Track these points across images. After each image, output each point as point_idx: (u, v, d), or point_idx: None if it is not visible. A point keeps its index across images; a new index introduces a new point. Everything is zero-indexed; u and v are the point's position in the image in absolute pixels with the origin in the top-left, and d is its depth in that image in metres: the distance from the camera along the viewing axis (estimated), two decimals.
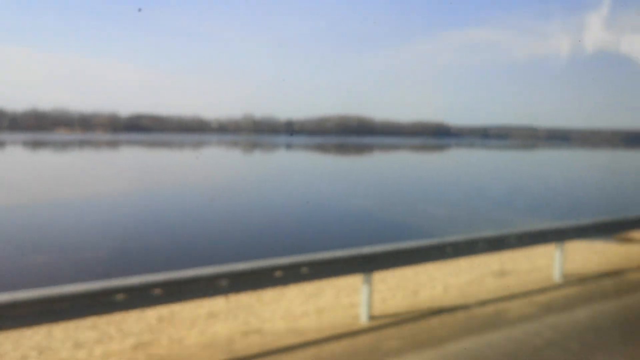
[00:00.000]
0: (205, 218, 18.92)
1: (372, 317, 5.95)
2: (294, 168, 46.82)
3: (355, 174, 41.79)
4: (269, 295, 7.35)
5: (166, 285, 4.56)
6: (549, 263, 8.65)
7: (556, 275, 7.84)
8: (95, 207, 20.73)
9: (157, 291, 4.53)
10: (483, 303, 6.57)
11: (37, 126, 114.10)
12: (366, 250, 5.89)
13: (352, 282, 7.70)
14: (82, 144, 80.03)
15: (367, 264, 5.89)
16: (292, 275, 5.33)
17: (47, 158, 52.24)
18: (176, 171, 40.11)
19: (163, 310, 6.45)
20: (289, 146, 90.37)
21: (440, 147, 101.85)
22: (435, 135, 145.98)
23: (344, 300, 6.96)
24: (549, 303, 6.51)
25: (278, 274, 5.22)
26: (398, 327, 5.62)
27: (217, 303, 6.89)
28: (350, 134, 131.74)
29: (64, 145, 73.08)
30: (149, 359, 4.80)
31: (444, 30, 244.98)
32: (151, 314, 6.39)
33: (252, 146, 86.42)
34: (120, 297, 4.34)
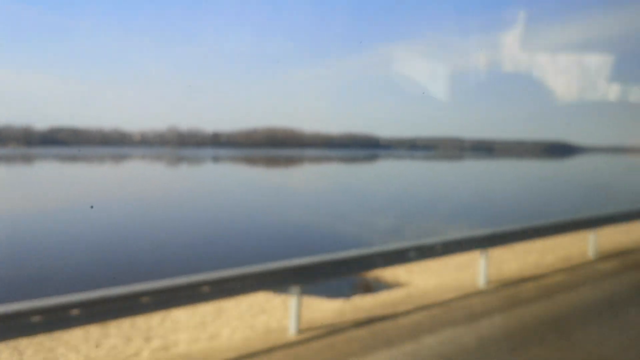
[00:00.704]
0: (119, 235, 18.96)
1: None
2: (221, 181, 46.94)
3: (284, 187, 42.57)
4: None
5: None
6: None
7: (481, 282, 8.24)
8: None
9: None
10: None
11: None
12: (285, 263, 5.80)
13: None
14: None
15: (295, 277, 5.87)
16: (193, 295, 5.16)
17: None
18: (94, 186, 39.24)
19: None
20: (216, 159, 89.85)
21: (369, 159, 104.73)
22: (365, 147, 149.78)
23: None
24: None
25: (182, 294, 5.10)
26: (330, 337, 5.80)
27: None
28: (279, 146, 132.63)
29: None
30: None
31: (373, 43, 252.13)
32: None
33: (177, 159, 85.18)
34: None
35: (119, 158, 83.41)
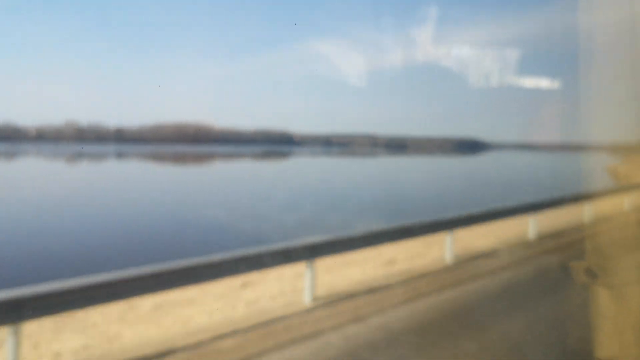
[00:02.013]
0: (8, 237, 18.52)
1: None
2: (125, 179, 45.84)
3: (193, 183, 42.39)
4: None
5: None
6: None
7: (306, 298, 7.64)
8: None
9: None
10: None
11: None
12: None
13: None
14: None
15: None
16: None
17: None
18: None
19: None
20: (120, 155, 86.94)
21: (282, 155, 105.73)
22: (279, 144, 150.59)
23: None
24: None
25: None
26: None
27: None
28: (189, 142, 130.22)
29: None
30: None
31: (292, 41, 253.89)
32: None
33: (77, 156, 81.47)
34: None
35: (11, 155, 78.45)
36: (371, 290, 8.16)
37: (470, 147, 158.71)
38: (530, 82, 26.14)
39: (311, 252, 7.60)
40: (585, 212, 14.62)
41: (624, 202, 14.87)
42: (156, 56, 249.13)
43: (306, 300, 7.51)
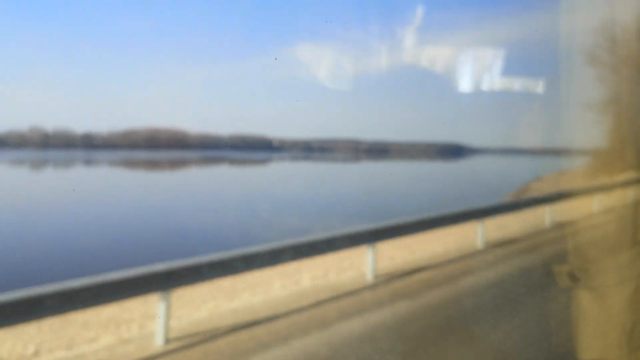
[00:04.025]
0: None
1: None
2: (93, 186, 45.43)
3: (166, 190, 42.20)
4: None
5: None
6: None
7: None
8: None
9: None
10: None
11: None
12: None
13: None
14: None
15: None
16: None
17: None
18: None
19: None
20: (88, 162, 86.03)
21: (261, 161, 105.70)
22: (257, 149, 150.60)
23: None
24: None
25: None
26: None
27: None
28: (162, 148, 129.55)
29: None
30: None
31: (277, 46, 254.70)
32: None
33: (41, 163, 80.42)
34: None
35: None
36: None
37: (454, 152, 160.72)
38: (514, 86, 27.38)
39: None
40: (547, 215, 14.24)
41: (590, 203, 14.99)
42: (129, 59, 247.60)
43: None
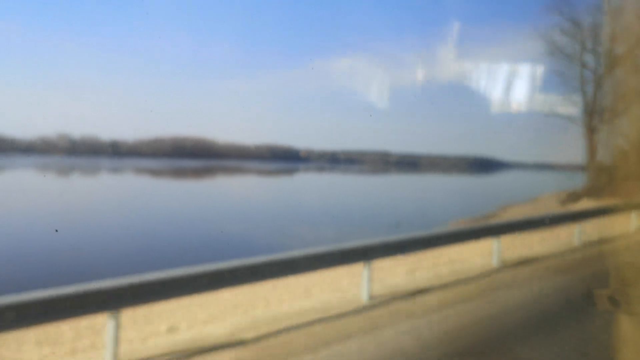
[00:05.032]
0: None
1: None
2: (119, 193, 46.20)
3: (190, 199, 42.67)
4: None
5: None
6: None
7: None
8: None
9: None
10: None
11: None
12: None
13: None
14: None
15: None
16: None
17: None
18: None
19: None
20: (114, 169, 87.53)
21: (288, 171, 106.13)
22: (284, 159, 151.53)
23: None
24: None
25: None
26: None
27: None
28: (188, 157, 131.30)
29: None
30: None
31: (312, 58, 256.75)
32: None
33: (68, 169, 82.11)
34: None
35: None
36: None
37: (485, 166, 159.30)
38: (549, 101, 27.87)
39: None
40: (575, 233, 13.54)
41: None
42: (157, 69, 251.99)
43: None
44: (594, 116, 28.33)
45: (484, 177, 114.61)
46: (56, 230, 21.35)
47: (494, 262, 10.87)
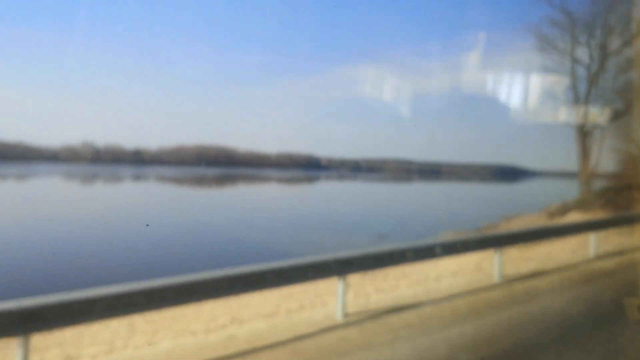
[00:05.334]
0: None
1: None
2: (143, 200, 46.83)
3: (213, 207, 43.10)
4: None
5: None
6: None
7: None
8: None
9: None
10: None
11: None
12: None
13: None
14: None
15: None
16: None
17: None
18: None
19: None
20: (137, 177, 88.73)
21: (309, 180, 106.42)
22: (304, 167, 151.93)
23: None
24: None
25: None
26: None
27: None
28: (210, 165, 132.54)
29: None
30: None
31: (335, 66, 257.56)
32: None
33: (91, 177, 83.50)
34: None
35: (23, 175, 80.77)
36: None
37: (509, 174, 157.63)
38: (576, 110, 26.51)
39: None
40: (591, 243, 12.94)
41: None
42: (179, 78, 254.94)
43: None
44: (587, 117, 25.96)
45: (506, 185, 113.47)
46: (147, 225, 22.12)
47: (495, 277, 10.22)
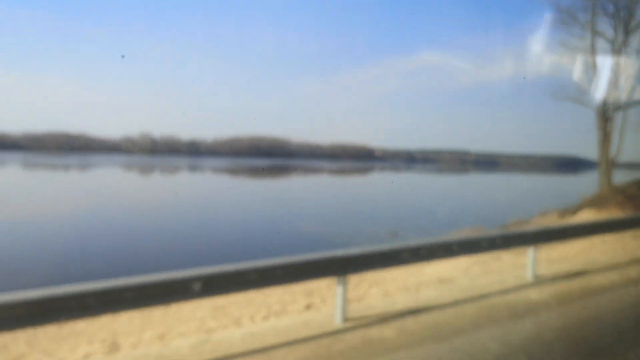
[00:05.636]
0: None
1: None
2: (199, 191, 47.47)
3: (266, 197, 43.27)
4: None
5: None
6: None
7: None
8: None
9: None
10: None
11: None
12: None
13: None
14: None
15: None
16: None
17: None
18: (59, 195, 39.68)
19: None
20: (193, 168, 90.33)
21: (363, 170, 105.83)
22: (358, 159, 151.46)
23: None
24: None
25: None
26: None
27: None
28: (264, 156, 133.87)
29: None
30: None
31: (392, 55, 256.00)
32: None
33: (149, 168, 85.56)
34: None
35: (84, 166, 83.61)
36: None
37: (571, 165, 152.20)
38: (596, 89, 22.72)
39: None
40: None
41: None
42: (235, 70, 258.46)
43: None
44: (609, 99, 21.94)
45: (567, 177, 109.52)
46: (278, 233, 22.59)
47: (529, 276, 9.22)
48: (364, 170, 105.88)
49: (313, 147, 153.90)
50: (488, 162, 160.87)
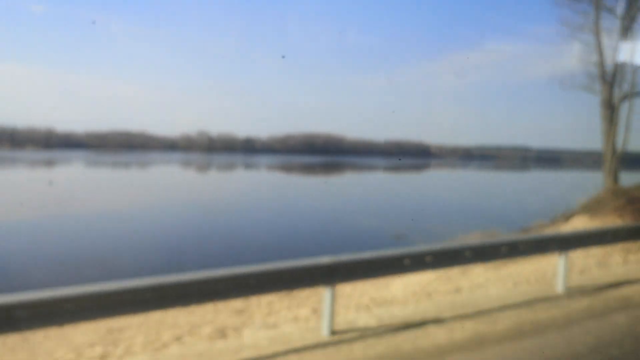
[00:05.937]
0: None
1: None
2: (255, 189, 48.02)
3: (320, 194, 43.32)
4: None
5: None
6: None
7: None
8: None
9: None
10: None
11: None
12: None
13: None
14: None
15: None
16: None
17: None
18: (121, 192, 40.98)
19: None
20: (248, 165, 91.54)
21: (418, 168, 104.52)
22: (413, 155, 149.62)
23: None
24: None
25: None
26: None
27: None
28: (318, 153, 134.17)
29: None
30: None
31: (453, 50, 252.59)
32: None
33: (206, 165, 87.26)
34: None
35: (144, 163, 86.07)
36: None
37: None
38: (600, 75, 19.42)
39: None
40: None
41: None
42: (289, 67, 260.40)
43: None
44: (615, 83, 18.99)
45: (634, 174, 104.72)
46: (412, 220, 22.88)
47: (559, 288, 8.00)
48: (419, 168, 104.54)
49: (367, 143, 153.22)
50: (550, 159, 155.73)
